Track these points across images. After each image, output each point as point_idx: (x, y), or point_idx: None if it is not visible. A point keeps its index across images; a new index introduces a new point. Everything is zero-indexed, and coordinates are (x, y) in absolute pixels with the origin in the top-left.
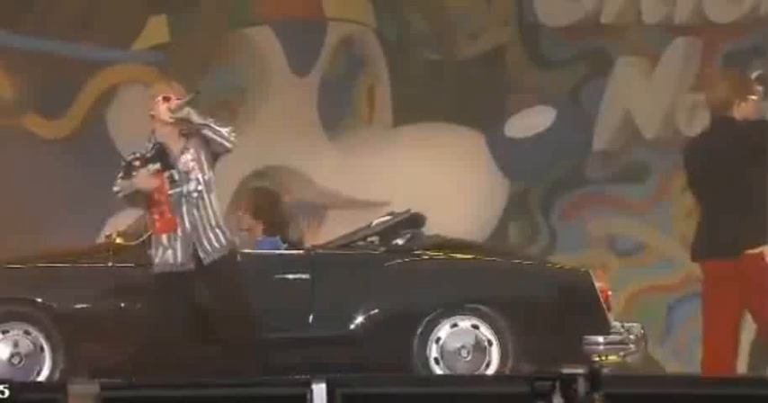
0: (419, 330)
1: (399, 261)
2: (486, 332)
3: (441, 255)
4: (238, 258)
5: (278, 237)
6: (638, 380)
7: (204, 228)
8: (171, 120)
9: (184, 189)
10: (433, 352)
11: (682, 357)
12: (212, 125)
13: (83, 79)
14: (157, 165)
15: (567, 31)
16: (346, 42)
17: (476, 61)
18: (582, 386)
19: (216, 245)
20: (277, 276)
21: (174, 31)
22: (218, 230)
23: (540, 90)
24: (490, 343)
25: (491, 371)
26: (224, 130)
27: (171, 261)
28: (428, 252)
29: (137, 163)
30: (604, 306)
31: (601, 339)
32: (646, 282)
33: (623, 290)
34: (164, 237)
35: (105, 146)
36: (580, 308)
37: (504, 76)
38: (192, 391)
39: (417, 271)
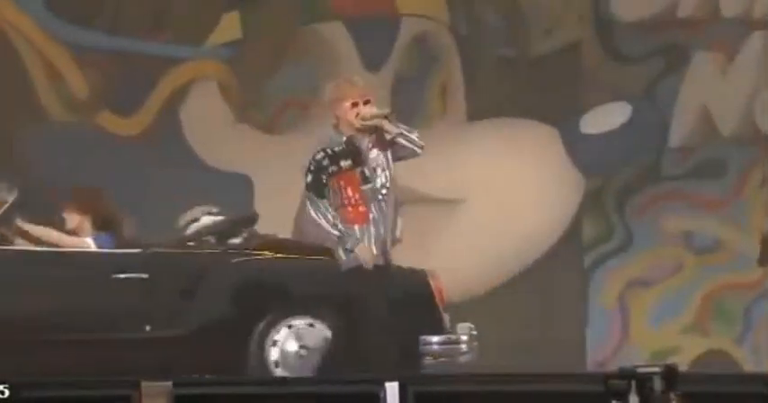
0: (256, 330)
1: (237, 260)
2: (322, 331)
3: (274, 254)
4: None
5: (109, 233)
6: (714, 378)
7: (387, 226)
8: (360, 126)
9: (376, 184)
10: (272, 353)
11: (760, 355)
12: (405, 133)
13: (156, 76)
14: (349, 162)
15: (642, 25)
16: (419, 38)
17: (550, 57)
18: (658, 384)
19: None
20: (114, 275)
21: (246, 28)
22: (398, 230)
23: (616, 86)
24: (327, 341)
25: (327, 370)
26: (414, 136)
27: (368, 257)
28: (265, 252)
29: (325, 162)
30: (440, 305)
31: (435, 339)
32: (723, 280)
33: (700, 288)
34: (356, 230)
35: (179, 142)
36: (416, 307)
37: (579, 72)
38: (260, 388)
39: (254, 270)
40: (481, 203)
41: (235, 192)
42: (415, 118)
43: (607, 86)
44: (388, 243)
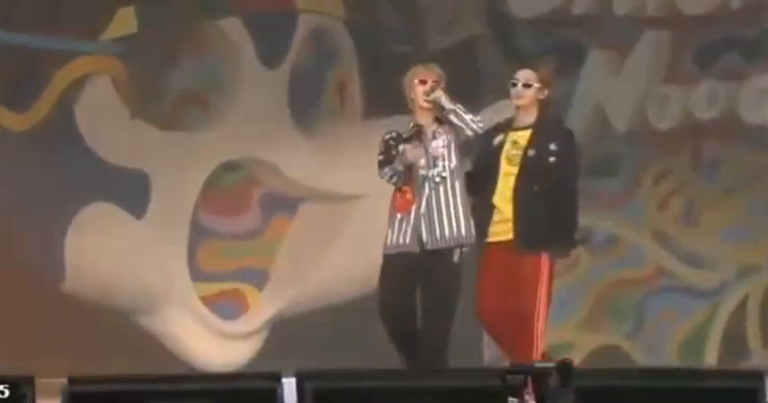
0: None
1: None
2: None
3: None
4: (457, 256)
5: None
6: (609, 373)
7: (439, 213)
8: (425, 104)
9: (430, 173)
10: None
11: (652, 350)
12: (458, 111)
13: (50, 71)
14: (411, 145)
15: (538, 23)
16: (317, 34)
17: (447, 53)
18: (553, 380)
19: (446, 233)
20: None
21: (142, 23)
22: (453, 220)
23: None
24: None
25: None
26: (468, 117)
27: (400, 242)
28: None
29: (392, 142)
30: None
31: None
32: (616, 277)
33: (594, 284)
34: (398, 217)
35: (73, 138)
36: None
37: (476, 69)
38: (157, 385)
39: None
40: (378, 200)
41: (131, 189)
42: (312, 114)
43: (504, 83)
44: (425, 233)
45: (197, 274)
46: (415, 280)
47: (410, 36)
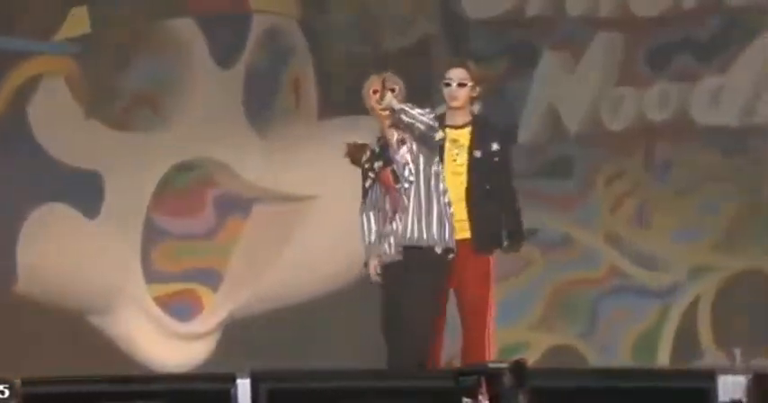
0: None
1: None
2: None
3: None
4: (441, 249)
5: None
6: (563, 373)
7: (413, 216)
8: (382, 113)
9: (402, 181)
10: None
11: (605, 350)
12: (406, 108)
13: (3, 71)
14: (380, 162)
15: (492, 24)
16: (271, 34)
17: (401, 54)
18: (507, 380)
19: (423, 236)
20: None
21: (95, 22)
22: (424, 223)
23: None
24: None
25: None
26: (416, 111)
27: (388, 251)
28: None
29: (367, 165)
30: None
31: None
32: (570, 277)
33: (547, 284)
34: (387, 229)
35: (27, 138)
36: None
37: (430, 69)
38: (109, 386)
39: None
40: (333, 201)
41: (85, 189)
42: (267, 114)
43: None
44: (403, 238)
45: (151, 275)
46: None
47: (364, 36)
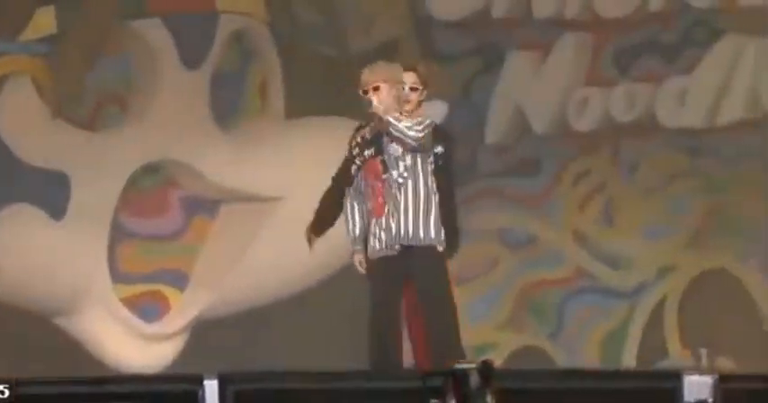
0: None
1: None
2: None
3: None
4: (442, 247)
5: None
6: (529, 374)
7: (406, 214)
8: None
9: (393, 174)
10: None
11: (572, 351)
12: (392, 121)
13: None
14: (372, 151)
15: (459, 25)
16: (238, 35)
17: (369, 55)
18: (475, 380)
19: (418, 233)
20: None
21: (61, 23)
22: (422, 221)
23: (433, 84)
24: None
25: None
26: (402, 125)
27: (377, 247)
28: None
29: (357, 150)
30: None
31: None
32: (537, 277)
33: (515, 284)
34: (374, 221)
35: None
36: None
37: None
38: (81, 388)
39: None
40: (300, 201)
41: (51, 190)
42: (234, 115)
43: None
44: (396, 235)
45: (117, 276)
46: (400, 279)
47: (332, 37)
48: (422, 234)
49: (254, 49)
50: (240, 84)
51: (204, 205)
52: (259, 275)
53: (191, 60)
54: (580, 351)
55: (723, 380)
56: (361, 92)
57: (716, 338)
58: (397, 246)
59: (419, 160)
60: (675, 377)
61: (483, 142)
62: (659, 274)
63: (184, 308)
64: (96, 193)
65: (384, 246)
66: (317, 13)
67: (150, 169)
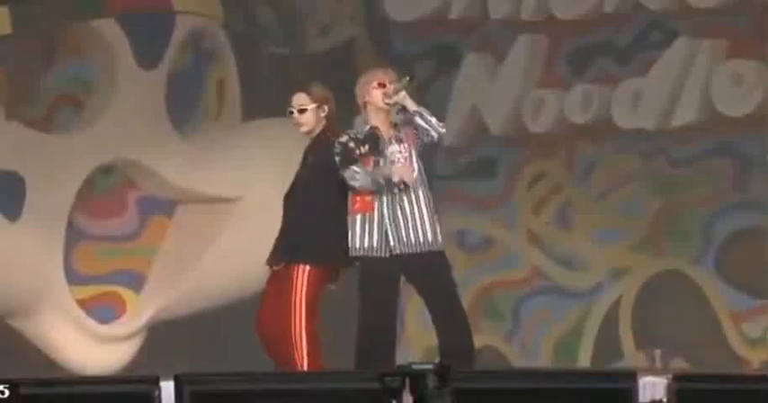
0: None
1: None
2: None
3: None
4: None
5: None
6: (486, 374)
7: (405, 220)
8: (386, 106)
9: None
10: None
11: (528, 352)
12: (424, 113)
13: None
14: (366, 148)
15: (415, 26)
16: (195, 35)
17: (325, 56)
18: (431, 381)
19: (412, 240)
20: None
21: (16, 23)
22: (419, 227)
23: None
24: None
25: None
26: (433, 120)
27: (366, 245)
28: None
29: (351, 144)
30: None
31: None
32: (493, 278)
33: (471, 285)
34: (358, 219)
35: None
36: None
37: (353, 72)
38: (37, 389)
39: None
40: (256, 202)
41: (6, 191)
42: (190, 115)
43: None
44: (394, 238)
45: (73, 277)
46: (397, 280)
47: (288, 38)
48: (439, 239)
49: (211, 50)
50: (197, 84)
51: (161, 206)
52: (216, 276)
53: (147, 60)
54: (536, 351)
55: (677, 380)
56: (376, 84)
57: (670, 339)
58: (397, 252)
59: (419, 168)
60: (630, 377)
61: (439, 144)
62: (614, 275)
63: (141, 310)
64: (52, 195)
65: (373, 245)
66: (273, 13)
67: (106, 170)
